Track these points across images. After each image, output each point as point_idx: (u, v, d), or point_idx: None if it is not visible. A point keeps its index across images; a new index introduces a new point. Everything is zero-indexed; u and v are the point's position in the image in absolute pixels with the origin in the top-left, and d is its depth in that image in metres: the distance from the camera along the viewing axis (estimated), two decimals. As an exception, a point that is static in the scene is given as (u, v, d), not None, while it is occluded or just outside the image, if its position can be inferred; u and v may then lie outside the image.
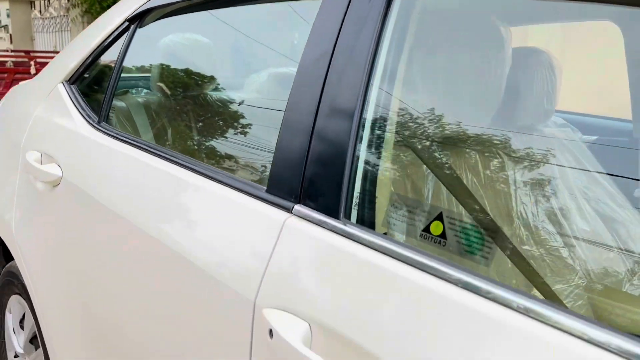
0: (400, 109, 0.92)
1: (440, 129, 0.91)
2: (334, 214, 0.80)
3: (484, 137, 0.96)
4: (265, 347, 0.79)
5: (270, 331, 0.75)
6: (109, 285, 1.21)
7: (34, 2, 14.90)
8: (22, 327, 1.86)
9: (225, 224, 0.94)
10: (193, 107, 1.52)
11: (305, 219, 0.83)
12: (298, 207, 0.85)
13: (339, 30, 0.87)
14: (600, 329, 0.54)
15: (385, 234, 0.84)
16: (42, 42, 14.82)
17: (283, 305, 0.78)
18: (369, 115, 0.84)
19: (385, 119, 0.90)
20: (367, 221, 0.84)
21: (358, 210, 0.82)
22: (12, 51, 9.95)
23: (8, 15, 14.96)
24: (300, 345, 0.71)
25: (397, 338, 0.66)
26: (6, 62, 8.18)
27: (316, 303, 0.75)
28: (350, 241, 0.76)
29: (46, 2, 14.42)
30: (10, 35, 14.09)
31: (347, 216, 0.81)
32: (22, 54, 8.89)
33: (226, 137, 1.37)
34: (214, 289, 0.90)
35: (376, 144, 0.88)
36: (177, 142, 1.44)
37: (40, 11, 14.90)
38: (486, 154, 0.90)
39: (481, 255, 0.77)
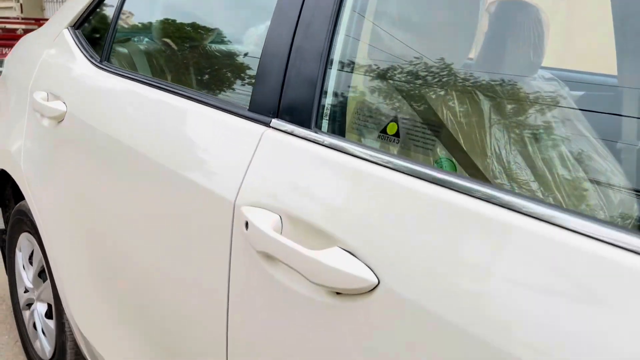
0: (367, 35, 1.00)
1: (403, 50, 0.99)
2: (307, 125, 0.89)
3: (452, 66, 1.03)
4: (242, 237, 0.88)
5: (247, 223, 0.85)
6: (109, 209, 1.30)
7: (44, -29, 14.90)
8: (30, 263, 1.97)
9: (213, 141, 1.03)
10: (188, 47, 1.59)
11: (282, 130, 0.91)
12: (275, 121, 0.93)
13: None
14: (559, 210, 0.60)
15: (351, 139, 0.92)
16: (52, 12, 14.86)
17: (257, 202, 0.87)
18: (339, 40, 0.93)
19: (353, 44, 0.98)
20: (336, 129, 0.92)
21: (328, 120, 0.91)
22: (22, 19, 10.02)
23: (18, -15, 14.96)
24: (272, 231, 0.80)
25: (354, 222, 0.74)
26: (17, 29, 8.25)
27: (286, 198, 0.84)
28: (320, 146, 0.85)
29: (56, -29, 14.40)
30: (21, 4, 14.12)
31: (319, 126, 0.89)
32: (33, 21, 8.96)
33: (214, 71, 1.46)
34: (202, 196, 0.99)
35: (344, 65, 0.96)
36: (173, 76, 1.52)
37: (50, -19, 14.90)
38: (450, 77, 0.97)
39: (427, 148, 0.86)
